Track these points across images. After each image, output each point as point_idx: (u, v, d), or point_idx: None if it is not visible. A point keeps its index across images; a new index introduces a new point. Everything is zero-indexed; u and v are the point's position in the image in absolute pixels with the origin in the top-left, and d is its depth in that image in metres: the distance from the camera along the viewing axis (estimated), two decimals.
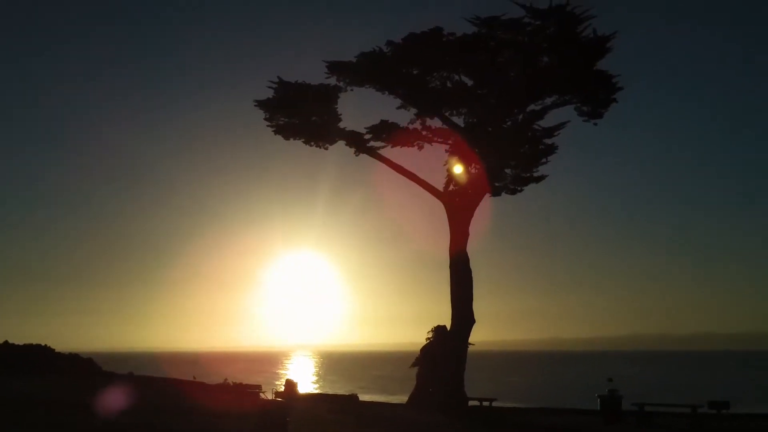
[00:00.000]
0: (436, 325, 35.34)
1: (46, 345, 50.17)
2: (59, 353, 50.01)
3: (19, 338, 49.94)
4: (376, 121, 36.01)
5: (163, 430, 19.52)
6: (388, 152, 36.74)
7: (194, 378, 46.74)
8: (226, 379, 43.43)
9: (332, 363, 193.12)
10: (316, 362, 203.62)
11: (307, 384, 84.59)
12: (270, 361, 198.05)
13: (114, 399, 26.87)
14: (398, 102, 35.88)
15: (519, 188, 38.21)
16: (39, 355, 47.54)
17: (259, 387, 39.17)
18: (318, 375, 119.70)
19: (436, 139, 36.76)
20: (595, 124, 34.79)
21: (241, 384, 41.65)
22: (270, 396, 35.17)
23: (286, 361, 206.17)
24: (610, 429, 26.39)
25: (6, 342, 48.92)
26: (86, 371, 46.27)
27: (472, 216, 35.97)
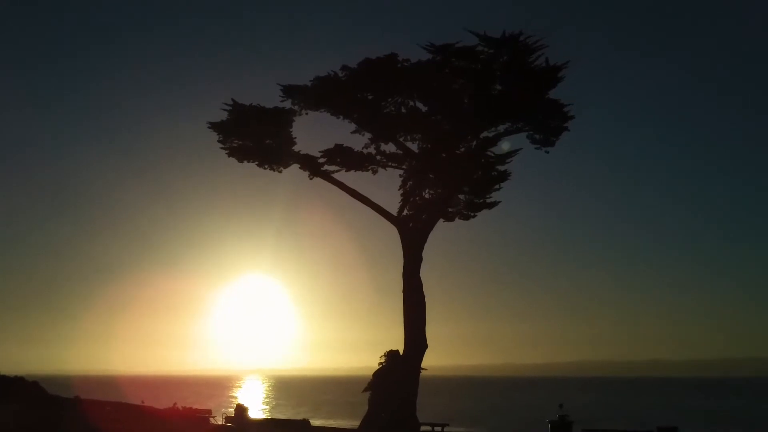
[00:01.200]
0: (389, 349, 35.30)
1: None
2: (3, 376, 48.87)
3: None
4: (331, 145, 35.99)
5: None
6: (343, 176, 36.78)
7: (143, 402, 45.97)
8: (175, 404, 42.82)
9: (284, 387, 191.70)
10: (268, 386, 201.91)
11: (258, 409, 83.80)
12: (221, 385, 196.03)
13: None
14: (353, 126, 35.86)
15: (472, 214, 38.49)
16: None
17: (209, 412, 38.77)
18: (269, 399, 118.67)
19: (390, 163, 36.86)
20: (547, 152, 35.25)
21: (191, 408, 41.14)
22: (220, 421, 34.80)
23: (237, 385, 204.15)
24: None
25: None
26: (31, 395, 45.27)
27: (425, 241, 36.07)
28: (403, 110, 35.33)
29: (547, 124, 34.68)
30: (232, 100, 35.18)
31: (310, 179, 36.87)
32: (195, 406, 42.59)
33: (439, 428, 33.44)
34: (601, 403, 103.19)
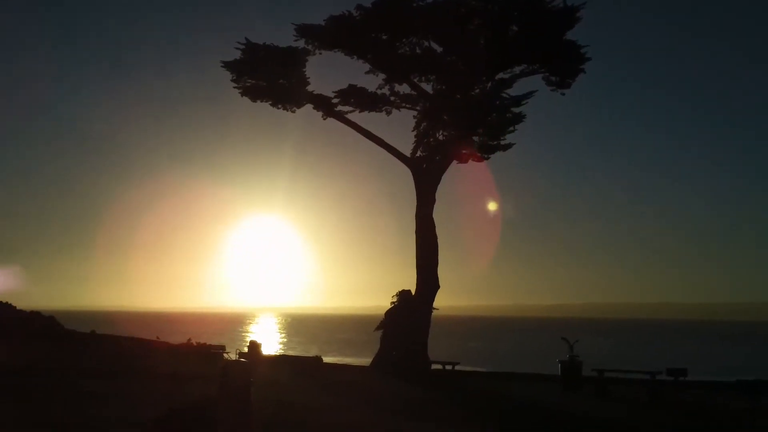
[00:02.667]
0: (401, 289, 35.65)
1: (7, 302, 49.80)
2: (20, 311, 49.67)
3: None
4: (344, 86, 35.85)
5: (124, 394, 19.56)
6: (356, 117, 36.72)
7: (157, 337, 46.79)
8: (189, 339, 43.51)
9: (297, 325, 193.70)
10: (281, 324, 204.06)
11: (272, 345, 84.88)
12: (234, 323, 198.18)
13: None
14: (367, 67, 35.71)
15: (486, 156, 38.40)
16: None
17: (222, 348, 39.30)
18: (282, 337, 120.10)
19: (404, 104, 36.74)
20: (563, 94, 34.98)
21: (204, 344, 41.77)
22: (234, 357, 35.26)
23: (250, 323, 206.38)
24: (566, 397, 26.75)
25: None
26: (48, 329, 46.06)
27: (438, 182, 36.16)
28: (418, 51, 35.10)
29: (564, 66, 34.37)
30: (245, 38, 34.96)
31: (324, 120, 36.86)
32: (209, 343, 43.23)
33: (449, 366, 33.82)
34: (610, 345, 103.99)
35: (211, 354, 37.35)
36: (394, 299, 35.53)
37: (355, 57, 35.26)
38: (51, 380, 22.18)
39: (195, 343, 41.94)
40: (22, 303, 53.77)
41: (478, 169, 38.92)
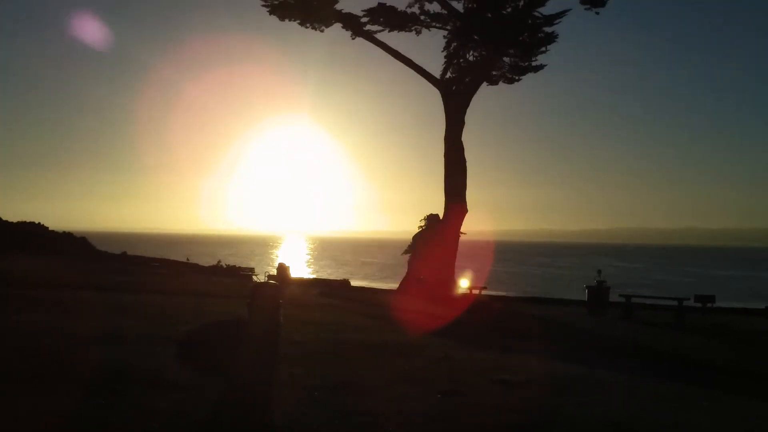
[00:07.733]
0: (429, 213, 35.52)
1: (39, 223, 50.43)
2: (53, 231, 50.33)
3: (13, 218, 50.15)
4: (374, 4, 35.01)
5: (156, 310, 19.71)
6: (385, 37, 35.94)
7: (188, 259, 47.24)
8: (219, 262, 43.93)
9: (325, 249, 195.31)
10: (309, 248, 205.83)
11: (300, 268, 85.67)
12: (263, 245, 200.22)
13: None
14: None
15: (517, 77, 37.65)
16: (33, 233, 47.82)
17: (252, 270, 39.69)
18: (311, 260, 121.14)
19: (434, 24, 35.86)
20: (597, 12, 33.93)
21: (234, 266, 42.19)
22: (263, 279, 35.55)
23: (278, 246, 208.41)
24: (591, 319, 26.66)
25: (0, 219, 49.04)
26: (80, 249, 46.67)
27: (468, 104, 35.55)
28: None
29: None
30: None
31: (352, 39, 36.09)
32: (238, 265, 43.64)
33: (476, 291, 33.85)
34: (636, 271, 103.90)
35: (241, 276, 37.70)
36: (422, 223, 35.44)
37: None
38: (81, 294, 22.34)
39: (224, 266, 42.35)
40: (55, 224, 54.48)
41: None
